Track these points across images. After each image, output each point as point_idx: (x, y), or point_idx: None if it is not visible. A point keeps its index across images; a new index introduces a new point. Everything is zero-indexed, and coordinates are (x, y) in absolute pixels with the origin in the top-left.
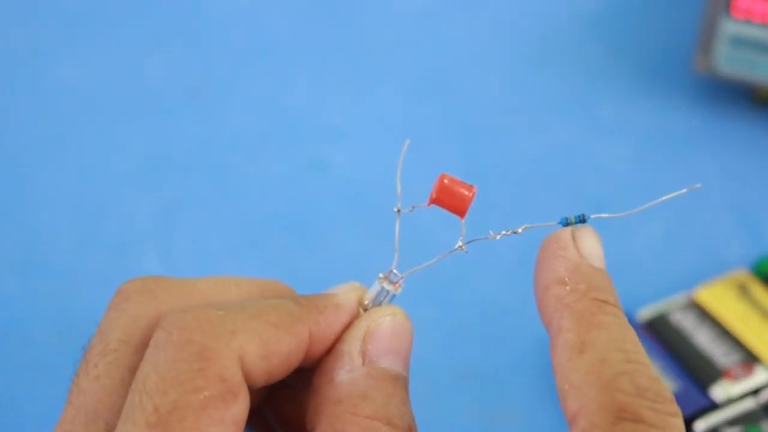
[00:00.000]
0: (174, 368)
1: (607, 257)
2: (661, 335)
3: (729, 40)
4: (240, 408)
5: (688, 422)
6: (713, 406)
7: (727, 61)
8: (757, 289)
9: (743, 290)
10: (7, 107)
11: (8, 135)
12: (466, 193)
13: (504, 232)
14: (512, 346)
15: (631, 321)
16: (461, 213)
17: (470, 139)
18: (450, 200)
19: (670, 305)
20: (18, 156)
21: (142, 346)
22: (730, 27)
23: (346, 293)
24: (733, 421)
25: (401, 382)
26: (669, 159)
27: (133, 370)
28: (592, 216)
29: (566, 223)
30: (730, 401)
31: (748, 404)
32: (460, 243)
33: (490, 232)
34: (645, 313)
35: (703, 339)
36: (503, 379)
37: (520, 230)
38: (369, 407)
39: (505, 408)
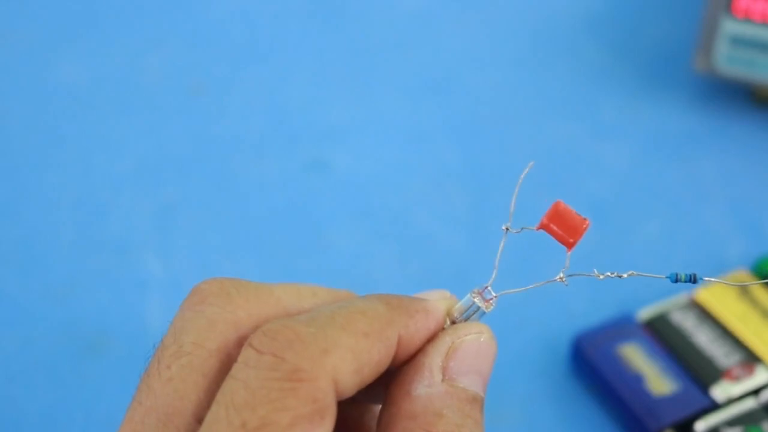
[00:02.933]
0: (265, 386)
1: (608, 257)
2: (661, 335)
3: (729, 39)
4: (326, 428)
5: (689, 422)
6: (714, 407)
7: (727, 61)
8: (757, 289)
9: (743, 290)
10: (7, 107)
11: (8, 135)
12: (579, 224)
13: (608, 274)
14: (513, 344)
15: (632, 321)
16: (570, 244)
17: (470, 139)
18: (561, 229)
19: (671, 305)
20: (18, 156)
21: (217, 351)
22: (730, 26)
23: (436, 301)
24: (733, 422)
25: (478, 403)
26: (669, 159)
27: (208, 375)
28: (704, 278)
29: (675, 279)
30: (730, 401)
31: (749, 404)
32: (561, 274)
33: (594, 270)
34: (645, 313)
35: (704, 339)
36: (503, 379)
37: (625, 275)
38: (443, 426)
39: (506, 406)
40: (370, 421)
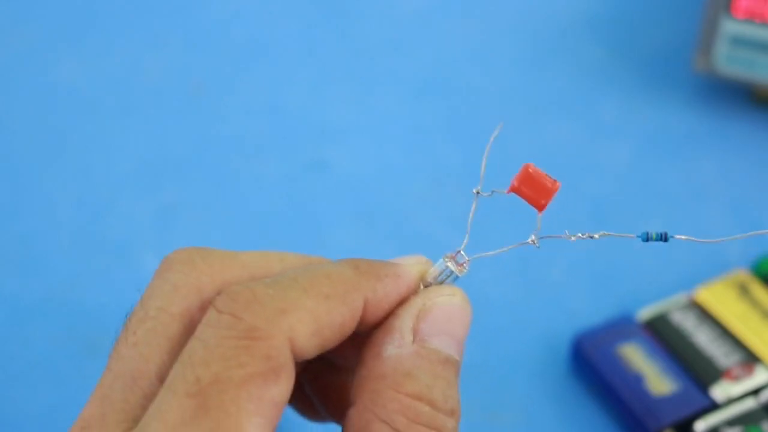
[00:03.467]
0: (220, 344)
1: (608, 257)
2: (661, 335)
3: (729, 39)
4: (282, 388)
5: (688, 422)
6: (713, 406)
7: (727, 61)
8: (757, 289)
9: (743, 290)
10: (7, 107)
11: (8, 135)
12: (549, 186)
13: (580, 235)
14: (512, 344)
15: (632, 321)
16: (540, 206)
17: (470, 139)
18: (531, 191)
19: (670, 305)
20: (18, 156)
21: (181, 315)
22: (730, 26)
23: (410, 265)
24: (733, 422)
25: (451, 364)
26: (669, 159)
27: (172, 338)
28: (675, 236)
29: (646, 238)
30: (730, 401)
31: (749, 404)
32: (533, 237)
33: (566, 231)
34: (645, 313)
35: (704, 339)
36: (504, 378)
37: (596, 236)
38: (412, 386)
39: (506, 406)
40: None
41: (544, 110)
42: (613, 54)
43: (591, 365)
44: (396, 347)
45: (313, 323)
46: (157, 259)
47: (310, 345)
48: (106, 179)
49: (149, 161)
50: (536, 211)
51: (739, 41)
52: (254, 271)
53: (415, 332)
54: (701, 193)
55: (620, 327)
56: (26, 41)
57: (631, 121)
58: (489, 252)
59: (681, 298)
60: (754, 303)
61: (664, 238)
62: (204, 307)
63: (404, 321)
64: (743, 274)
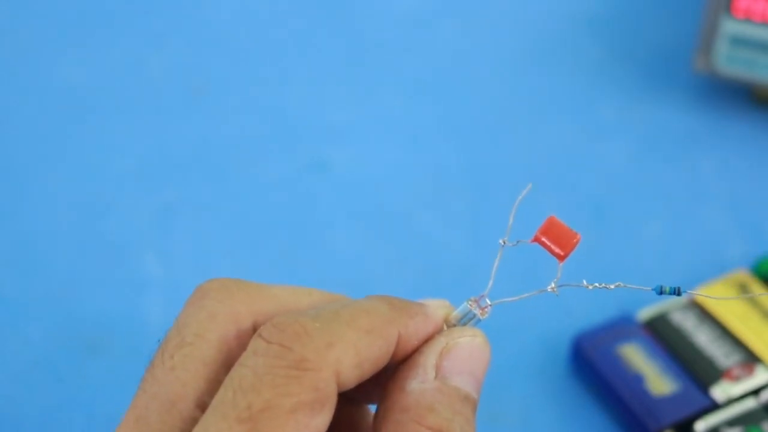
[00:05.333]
0: (271, 372)
1: (608, 257)
2: (661, 335)
3: (729, 39)
4: (325, 418)
5: (689, 423)
6: (714, 407)
7: (727, 61)
8: (757, 289)
9: (743, 290)
10: (7, 107)
11: (8, 135)
12: (571, 238)
13: (596, 285)
14: (513, 344)
15: (632, 321)
16: (561, 257)
17: (470, 140)
18: (553, 242)
19: (671, 305)
20: (18, 155)
21: (218, 342)
22: (730, 26)
23: (436, 307)
24: (733, 422)
25: (470, 402)
26: (669, 159)
27: (209, 365)
28: (688, 291)
29: (660, 292)
30: (730, 401)
31: (749, 404)
32: (552, 285)
33: (584, 281)
34: (645, 313)
35: (704, 339)
36: (503, 379)
37: (612, 286)
38: (434, 419)
39: (506, 406)
40: (362, 420)
41: (544, 110)
42: (612, 54)
43: (591, 365)
44: (419, 382)
45: (356, 356)
46: (157, 259)
47: (352, 377)
48: (106, 179)
49: (149, 161)
50: (557, 261)
51: (739, 41)
52: (285, 303)
53: (438, 369)
54: (701, 193)
55: (620, 327)
56: (26, 41)
57: (631, 121)
58: (510, 298)
59: (681, 298)
60: (754, 303)
61: (677, 292)
62: (239, 335)
63: (428, 358)
64: (743, 274)
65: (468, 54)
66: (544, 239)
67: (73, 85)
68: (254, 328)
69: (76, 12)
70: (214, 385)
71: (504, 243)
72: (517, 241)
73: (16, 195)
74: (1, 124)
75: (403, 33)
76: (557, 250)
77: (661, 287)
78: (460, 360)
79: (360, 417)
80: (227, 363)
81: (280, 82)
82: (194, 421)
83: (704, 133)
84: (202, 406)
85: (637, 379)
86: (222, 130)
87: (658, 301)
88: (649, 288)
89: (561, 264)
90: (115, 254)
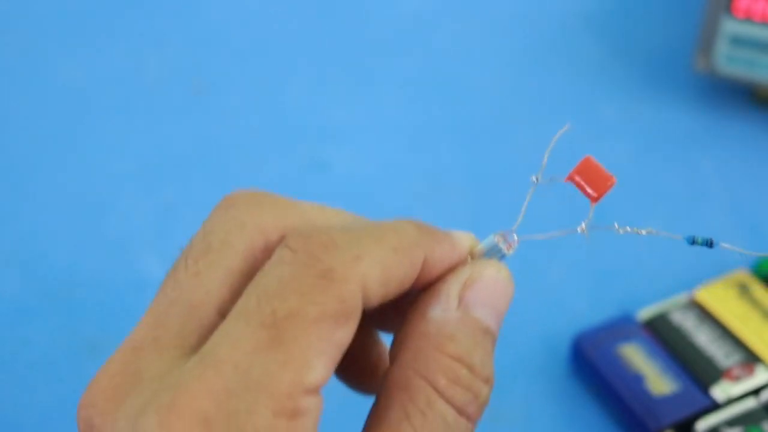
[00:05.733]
0: (298, 280)
1: (608, 258)
2: (661, 335)
3: (729, 39)
4: (348, 332)
5: (689, 423)
6: (714, 406)
7: (727, 61)
8: (757, 289)
9: (743, 290)
10: (7, 107)
11: (8, 135)
12: (606, 178)
13: (628, 229)
14: (513, 344)
15: (632, 321)
16: (594, 198)
17: (470, 139)
18: (587, 183)
19: (671, 305)
20: (18, 155)
21: (244, 252)
22: (730, 26)
23: (463, 236)
24: (733, 422)
25: (490, 335)
26: (669, 159)
27: (234, 274)
28: (722, 244)
29: (692, 242)
30: (730, 401)
31: (749, 404)
32: (583, 225)
33: (615, 224)
34: (645, 313)
35: (704, 339)
36: (503, 379)
37: (643, 232)
38: (454, 348)
39: (506, 406)
40: (371, 349)
41: (544, 110)
42: (613, 54)
43: (591, 365)
44: (442, 310)
45: (383, 273)
46: (157, 259)
47: (378, 294)
48: (106, 179)
49: (150, 161)
50: (589, 202)
51: (739, 41)
52: (313, 219)
53: (461, 299)
54: (701, 193)
55: (620, 327)
56: (26, 41)
57: (631, 121)
58: (538, 235)
59: (681, 298)
60: (755, 303)
61: (710, 244)
62: (267, 246)
63: (452, 287)
64: (743, 274)
65: (468, 54)
66: (578, 179)
67: (73, 85)
68: (281, 242)
69: (76, 12)
70: (237, 294)
71: (537, 180)
72: (551, 178)
73: (16, 195)
74: (1, 124)
75: (403, 33)
76: (590, 191)
77: (694, 238)
78: (484, 292)
79: (370, 345)
80: (252, 274)
81: (280, 82)
82: (214, 327)
83: (704, 133)
84: (224, 314)
85: (637, 379)
86: (222, 130)
87: (657, 300)
88: (680, 236)
89: (593, 205)
90: (115, 254)
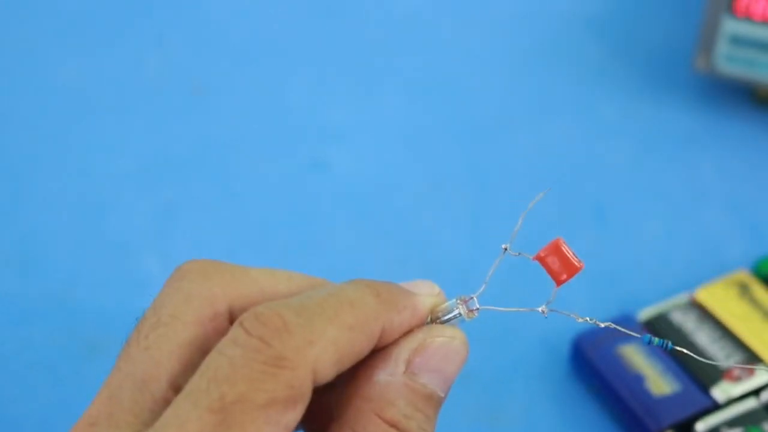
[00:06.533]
0: (248, 366)
1: (608, 258)
2: (661, 335)
3: (729, 39)
4: (297, 415)
5: (689, 423)
6: (714, 407)
7: (728, 61)
8: (757, 289)
9: (744, 290)
10: (6, 107)
11: (8, 134)
12: (575, 264)
13: (588, 319)
14: (512, 346)
15: (632, 321)
16: (560, 281)
17: (470, 139)
18: (555, 265)
19: (671, 305)
20: (18, 155)
21: (193, 324)
22: (730, 26)
23: (425, 297)
24: (734, 422)
25: (434, 401)
26: (669, 159)
27: (183, 345)
28: (675, 347)
29: (648, 342)
30: (730, 401)
31: (749, 404)
32: (543, 307)
33: (575, 313)
34: (645, 313)
35: (704, 339)
36: (503, 380)
37: (602, 325)
38: (392, 413)
39: (506, 406)
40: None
41: (545, 110)
42: (613, 54)
43: (591, 365)
44: (388, 374)
45: (336, 354)
46: (157, 259)
47: (330, 373)
48: (106, 179)
49: (149, 161)
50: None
51: (739, 41)
52: (263, 287)
53: (409, 364)
54: (701, 193)
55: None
56: (26, 41)
57: (632, 121)
58: (500, 308)
59: (681, 298)
60: (755, 303)
61: (665, 346)
62: (216, 318)
63: (401, 351)
64: (744, 275)
65: (468, 54)
66: (547, 260)
67: (73, 85)
68: (230, 311)
69: (77, 12)
70: (188, 366)
71: (506, 249)
72: (519, 253)
73: (16, 195)
74: (1, 124)
75: (403, 33)
76: (557, 274)
77: (650, 338)
78: (433, 359)
79: (328, 395)
80: (202, 345)
81: (280, 82)
82: (166, 401)
83: (704, 133)
84: (176, 387)
85: (638, 379)
86: (222, 130)
87: (657, 300)
88: (638, 336)
89: (557, 288)
90: (115, 254)
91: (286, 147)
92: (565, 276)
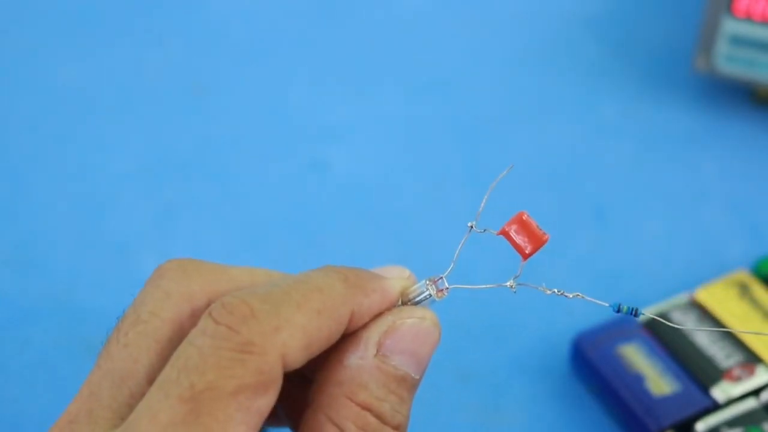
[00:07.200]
0: (216, 354)
1: (608, 258)
2: (661, 335)
3: (729, 39)
4: (268, 400)
5: (689, 423)
6: (714, 407)
7: (727, 61)
8: (757, 289)
9: (744, 290)
10: (7, 107)
11: (8, 135)
12: (539, 236)
13: (555, 291)
14: (512, 346)
15: (632, 321)
16: (525, 255)
17: (470, 139)
18: (521, 238)
19: (671, 305)
20: (18, 155)
21: (171, 321)
22: (730, 26)
23: (394, 280)
24: (734, 422)
25: (407, 382)
26: (669, 159)
27: (161, 342)
28: (644, 313)
29: (617, 310)
30: (731, 402)
31: (749, 405)
32: (511, 281)
33: (543, 285)
34: (645, 312)
35: (704, 339)
36: (504, 378)
37: (570, 295)
38: (364, 396)
39: (506, 406)
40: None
41: (545, 110)
42: (613, 54)
43: (591, 365)
44: (358, 358)
45: (305, 338)
46: (157, 259)
47: (300, 358)
48: (105, 179)
49: (149, 161)
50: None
51: (739, 41)
52: (242, 284)
53: (380, 347)
54: (701, 193)
55: (620, 327)
56: (26, 41)
57: (632, 121)
58: (468, 285)
59: (681, 298)
60: (755, 303)
61: (634, 313)
62: (194, 314)
63: (372, 334)
64: (744, 275)
65: (468, 54)
66: (510, 234)
67: (73, 85)
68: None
69: (77, 12)
70: (165, 362)
71: (472, 227)
72: (485, 230)
73: (16, 195)
74: (2, 124)
75: (404, 33)
76: (522, 248)
77: (619, 305)
78: (404, 340)
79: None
80: (180, 341)
81: (280, 82)
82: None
83: (704, 133)
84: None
85: (638, 379)
86: (222, 129)
87: (657, 300)
88: (607, 304)
89: (523, 262)
90: (115, 254)
91: (286, 147)
92: (530, 249)
